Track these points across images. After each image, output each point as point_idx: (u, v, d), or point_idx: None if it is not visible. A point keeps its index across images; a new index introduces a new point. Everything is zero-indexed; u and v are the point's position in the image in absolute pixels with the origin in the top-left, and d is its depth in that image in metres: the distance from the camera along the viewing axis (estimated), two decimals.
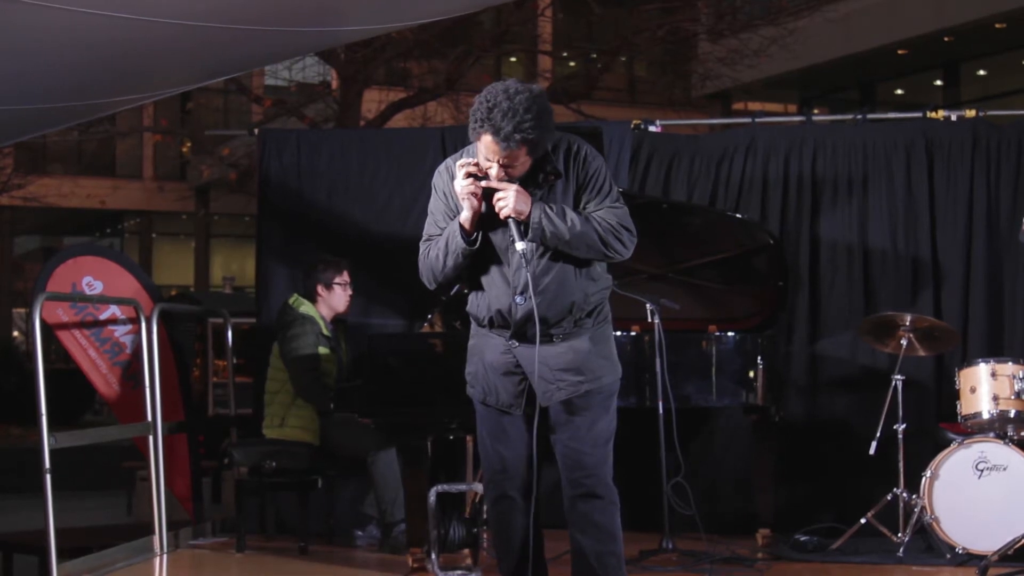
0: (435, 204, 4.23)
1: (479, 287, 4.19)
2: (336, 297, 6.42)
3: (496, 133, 3.90)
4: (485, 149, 3.97)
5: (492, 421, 4.25)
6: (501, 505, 4.28)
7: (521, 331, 4.08)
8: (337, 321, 6.53)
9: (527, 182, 4.05)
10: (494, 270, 4.13)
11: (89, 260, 6.85)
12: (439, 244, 4.14)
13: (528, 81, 4.08)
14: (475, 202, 4.02)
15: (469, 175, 4.01)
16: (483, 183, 4.01)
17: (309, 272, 6.44)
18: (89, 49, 5.29)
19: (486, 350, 4.22)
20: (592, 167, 4.12)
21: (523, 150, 3.95)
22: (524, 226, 4.00)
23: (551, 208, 4.02)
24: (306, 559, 6.09)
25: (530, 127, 3.88)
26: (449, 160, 4.23)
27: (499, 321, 4.15)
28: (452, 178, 4.13)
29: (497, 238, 4.11)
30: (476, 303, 4.21)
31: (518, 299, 4.05)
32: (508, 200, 3.97)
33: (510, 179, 4.00)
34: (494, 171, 3.99)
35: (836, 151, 6.93)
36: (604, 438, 4.20)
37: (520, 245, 3.98)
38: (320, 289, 6.40)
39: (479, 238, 4.06)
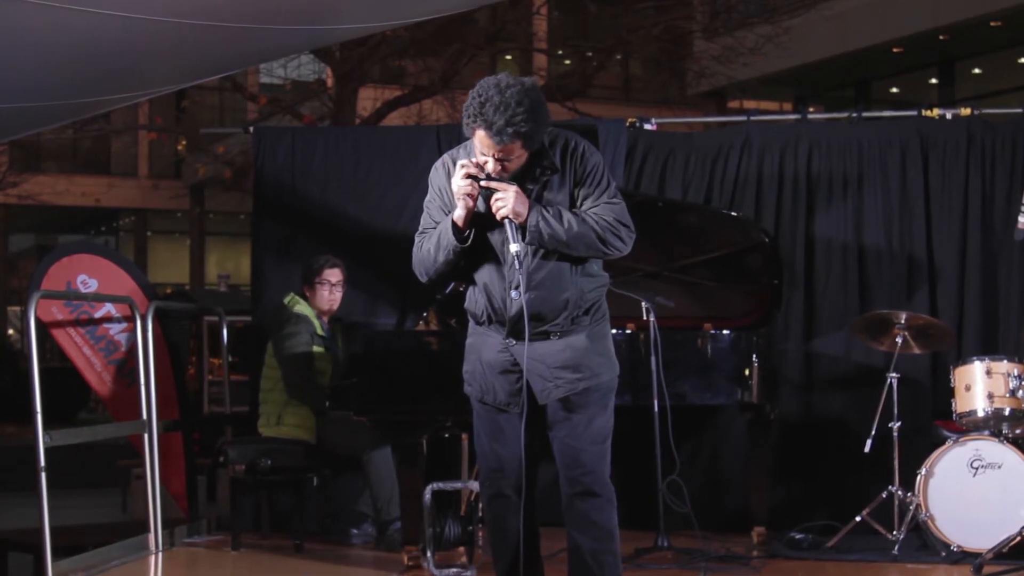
0: (430, 199, 4.24)
1: (475, 284, 4.19)
2: (317, 296, 6.38)
3: (489, 128, 3.89)
4: (480, 144, 3.97)
5: (489, 419, 4.25)
6: (497, 504, 4.27)
7: (517, 328, 4.07)
8: (333, 320, 6.52)
9: (524, 177, 4.06)
10: (490, 267, 4.13)
11: (84, 258, 6.84)
12: (432, 239, 4.14)
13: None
14: (470, 202, 4.02)
15: (468, 175, 4.00)
16: (483, 183, 4.01)
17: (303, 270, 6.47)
18: (83, 47, 5.29)
19: (483, 348, 4.22)
20: (590, 163, 4.12)
21: (517, 144, 3.94)
22: (521, 228, 4.00)
23: (548, 210, 4.02)
24: (301, 557, 6.08)
25: (522, 120, 3.88)
26: (446, 156, 4.23)
27: (495, 318, 4.15)
28: (448, 174, 4.13)
29: (493, 235, 4.10)
30: (473, 300, 4.21)
31: (513, 294, 4.05)
32: (507, 201, 3.97)
33: (506, 173, 4.01)
34: (490, 166, 3.99)
35: (831, 149, 6.93)
36: (602, 436, 4.20)
37: (515, 247, 3.97)
38: (305, 288, 6.40)
39: (471, 236, 4.07)
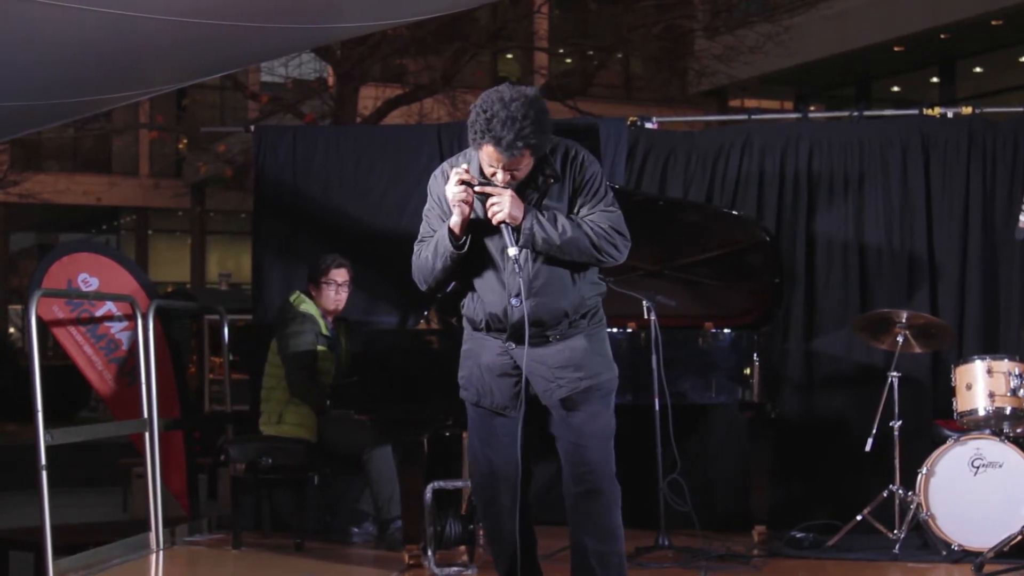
0: (429, 208, 4.26)
1: (474, 290, 4.20)
2: (323, 296, 6.36)
3: (498, 143, 3.92)
4: (488, 158, 4.00)
5: (483, 424, 4.26)
6: (492, 510, 4.29)
7: (517, 333, 4.09)
8: (338, 319, 6.51)
9: (526, 184, 4.08)
10: (489, 274, 4.15)
11: (85, 257, 6.84)
12: (430, 246, 4.16)
13: (524, 78, 4.09)
14: (466, 209, 4.04)
15: (462, 182, 4.01)
16: (477, 188, 4.02)
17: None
18: (84, 46, 5.29)
19: (482, 352, 4.23)
20: (589, 171, 4.15)
21: (526, 154, 3.97)
22: (517, 232, 4.01)
23: (543, 214, 4.04)
24: (302, 556, 6.08)
25: (530, 132, 3.91)
26: (444, 164, 4.26)
27: (495, 324, 4.16)
28: (447, 182, 4.14)
29: (492, 242, 4.12)
30: (472, 306, 4.22)
31: (514, 301, 4.07)
32: (503, 206, 3.99)
33: (515, 182, 4.03)
34: (500, 177, 4.01)
35: (832, 148, 6.93)
36: (606, 434, 4.22)
37: (512, 251, 4.00)
38: (311, 287, 6.39)
39: (467, 243, 4.08)
